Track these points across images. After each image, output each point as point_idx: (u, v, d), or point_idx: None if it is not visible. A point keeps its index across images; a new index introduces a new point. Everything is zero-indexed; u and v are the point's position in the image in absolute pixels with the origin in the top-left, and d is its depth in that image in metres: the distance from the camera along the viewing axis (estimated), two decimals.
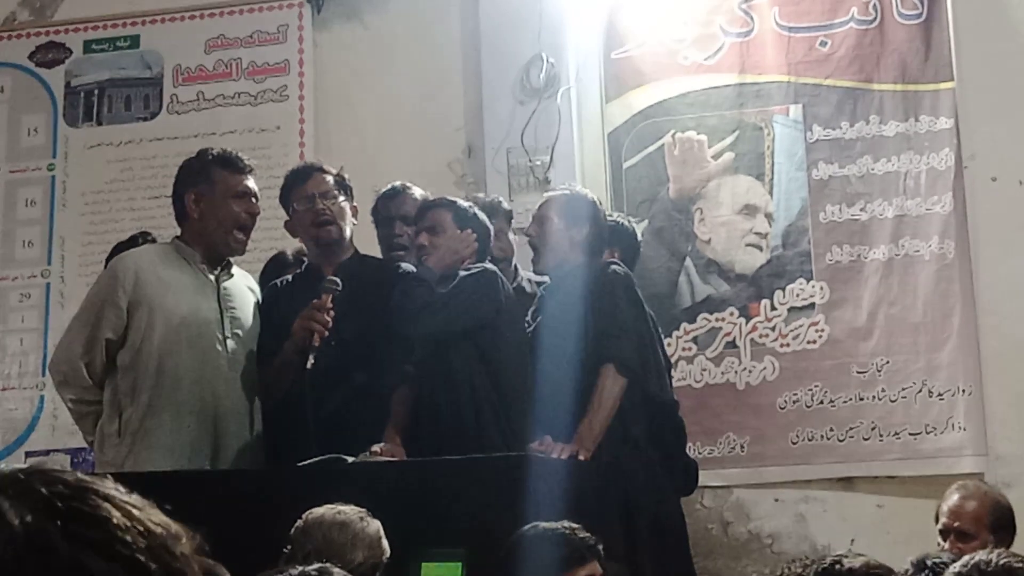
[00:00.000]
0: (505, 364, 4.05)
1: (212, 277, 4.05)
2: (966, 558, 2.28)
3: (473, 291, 4.04)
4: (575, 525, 3.13)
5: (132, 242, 4.59)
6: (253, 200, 4.08)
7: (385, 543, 2.99)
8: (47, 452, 5.75)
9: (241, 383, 4.03)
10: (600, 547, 3.15)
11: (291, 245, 4.98)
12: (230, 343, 4.01)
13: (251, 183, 4.09)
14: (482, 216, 4.26)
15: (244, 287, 4.18)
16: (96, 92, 6.12)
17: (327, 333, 3.91)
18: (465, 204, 4.28)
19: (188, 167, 4.14)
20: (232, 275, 4.13)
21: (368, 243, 4.51)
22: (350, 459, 3.68)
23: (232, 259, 4.16)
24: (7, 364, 5.90)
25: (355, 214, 4.32)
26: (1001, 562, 2.20)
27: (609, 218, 4.78)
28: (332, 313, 3.93)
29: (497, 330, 4.07)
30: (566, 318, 4.09)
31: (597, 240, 4.31)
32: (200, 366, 3.95)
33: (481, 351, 4.02)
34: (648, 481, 4.26)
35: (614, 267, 4.21)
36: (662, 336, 4.87)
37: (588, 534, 3.12)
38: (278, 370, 4.05)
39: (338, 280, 3.98)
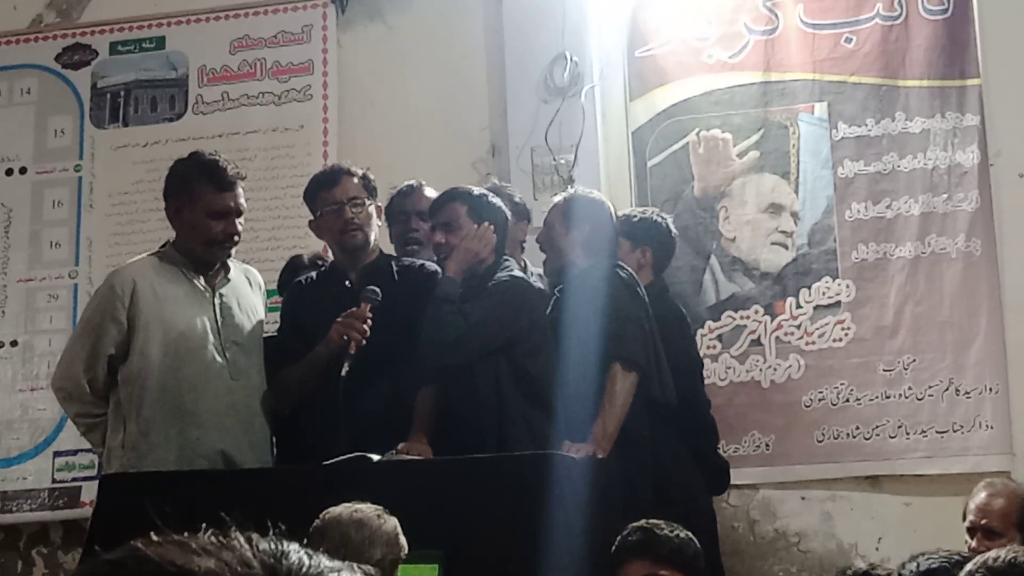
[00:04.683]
0: (540, 375, 4.04)
1: (208, 286, 4.02)
2: (979, 557, 2.27)
3: (507, 307, 4.02)
4: (686, 534, 3.20)
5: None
6: (234, 219, 3.97)
7: (403, 540, 3.00)
8: (75, 452, 5.76)
9: (246, 391, 4.02)
10: (695, 561, 3.19)
11: (313, 243, 5.00)
12: (229, 353, 3.99)
13: (233, 200, 3.96)
14: (497, 202, 4.25)
15: (243, 287, 4.14)
16: (122, 93, 6.13)
17: (364, 342, 3.92)
18: (479, 192, 4.26)
19: (175, 173, 4.06)
20: (229, 279, 4.08)
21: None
22: (375, 457, 3.69)
23: (243, 253, 4.16)
24: (35, 365, 5.92)
25: (380, 214, 4.33)
26: (1009, 558, 2.19)
27: (641, 214, 4.77)
28: (370, 322, 3.93)
29: (531, 342, 4.07)
30: (578, 320, 4.09)
31: (601, 239, 4.31)
32: (202, 379, 3.94)
33: (513, 363, 4.01)
34: (679, 480, 4.26)
35: (619, 271, 4.21)
36: (693, 336, 4.89)
37: (684, 541, 3.17)
38: (305, 371, 4.05)
39: (378, 290, 3.99)
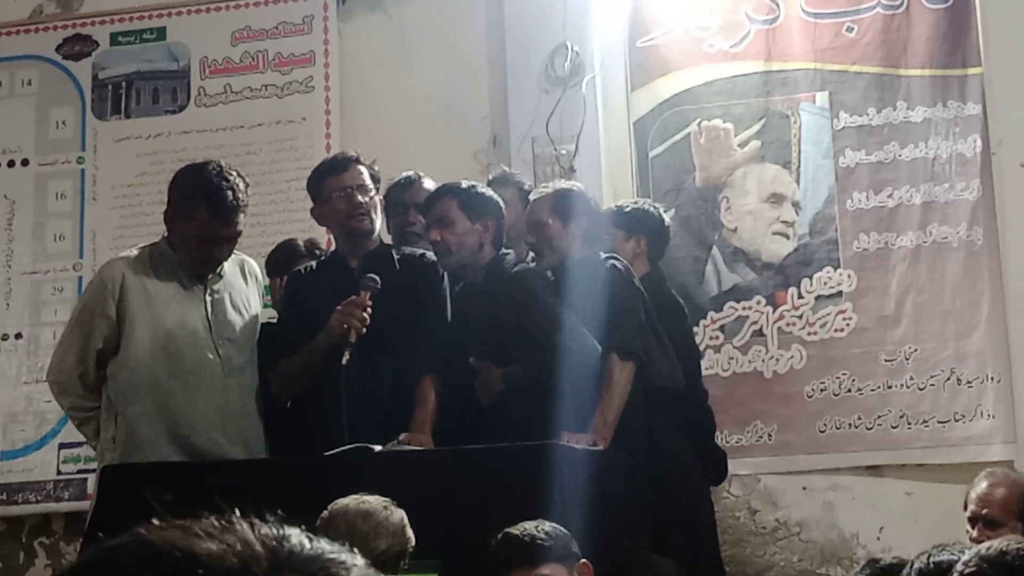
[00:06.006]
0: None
1: (199, 282, 3.99)
2: (974, 549, 2.26)
3: (555, 303, 4.07)
4: (549, 526, 3.13)
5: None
6: (224, 246, 3.92)
7: (410, 532, 3.02)
8: (80, 444, 5.77)
9: (239, 388, 4.01)
10: (566, 549, 3.13)
11: (316, 234, 5.00)
12: (222, 350, 3.98)
13: (227, 230, 3.88)
14: (489, 193, 4.23)
15: (237, 281, 4.10)
16: (124, 85, 6.13)
17: (365, 330, 3.92)
18: (468, 185, 4.23)
19: (178, 183, 3.97)
20: (222, 275, 4.04)
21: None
22: (377, 448, 3.69)
23: (247, 248, 4.15)
24: (40, 357, 5.91)
25: (382, 206, 4.34)
26: (1001, 547, 2.18)
27: (634, 204, 4.77)
28: (370, 310, 3.93)
29: None
30: (575, 311, 4.09)
31: (597, 232, 4.30)
32: (193, 376, 3.93)
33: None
34: (680, 470, 4.26)
35: (613, 262, 4.19)
36: (691, 327, 4.89)
37: (548, 536, 3.09)
38: (306, 361, 4.05)
39: (377, 278, 3.98)
